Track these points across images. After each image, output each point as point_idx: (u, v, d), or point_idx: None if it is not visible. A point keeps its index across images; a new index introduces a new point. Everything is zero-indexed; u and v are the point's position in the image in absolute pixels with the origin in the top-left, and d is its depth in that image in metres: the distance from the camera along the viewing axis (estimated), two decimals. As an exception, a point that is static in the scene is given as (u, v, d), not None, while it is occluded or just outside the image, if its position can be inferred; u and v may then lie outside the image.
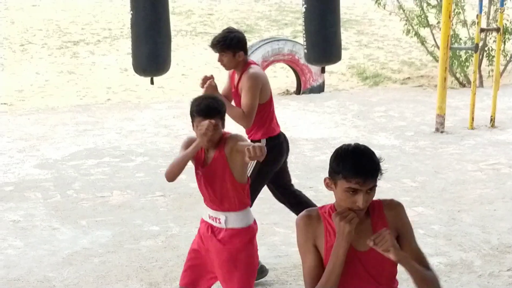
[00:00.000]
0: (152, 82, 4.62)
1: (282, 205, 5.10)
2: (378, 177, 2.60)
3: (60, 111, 10.13)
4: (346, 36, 14.61)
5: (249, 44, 5.78)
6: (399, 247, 2.58)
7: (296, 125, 8.93)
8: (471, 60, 11.04)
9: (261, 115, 4.65)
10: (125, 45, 13.47)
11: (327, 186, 2.67)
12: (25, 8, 17.38)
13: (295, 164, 6.96)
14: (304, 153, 7.71)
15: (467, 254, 5.16)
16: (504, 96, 10.31)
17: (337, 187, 2.61)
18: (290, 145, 4.93)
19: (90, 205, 6.27)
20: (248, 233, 3.64)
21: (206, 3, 18.53)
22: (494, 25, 10.72)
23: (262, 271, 4.65)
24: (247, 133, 4.74)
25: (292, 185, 5.04)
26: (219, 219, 3.60)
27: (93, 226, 5.79)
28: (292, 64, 11.10)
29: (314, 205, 4.49)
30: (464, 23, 11.63)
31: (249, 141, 4.07)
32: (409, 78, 12.62)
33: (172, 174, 3.58)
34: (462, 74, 11.82)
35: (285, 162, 4.94)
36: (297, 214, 3.78)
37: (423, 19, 11.68)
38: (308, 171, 7.02)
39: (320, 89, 11.20)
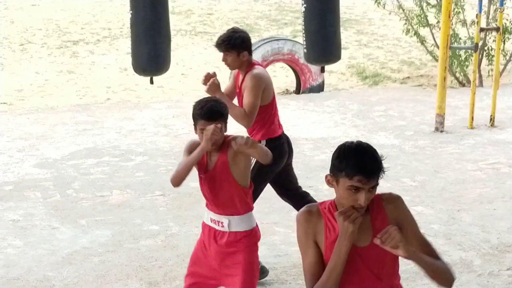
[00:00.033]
0: (151, 82, 4.62)
1: (282, 205, 5.10)
2: (381, 176, 2.60)
3: (60, 110, 10.13)
4: (346, 36, 14.61)
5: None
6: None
7: (295, 125, 8.92)
8: (471, 60, 11.04)
9: (262, 116, 4.65)
10: (125, 44, 13.47)
11: (328, 183, 2.66)
12: (24, 7, 17.38)
13: (295, 163, 6.89)
14: (304, 153, 7.71)
15: (467, 253, 5.16)
16: (504, 96, 10.31)
17: (339, 184, 2.60)
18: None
19: (90, 204, 6.27)
20: (252, 237, 3.62)
21: (206, 2, 18.53)
22: (493, 25, 10.72)
23: (263, 272, 4.64)
24: (248, 133, 4.73)
25: (299, 187, 5.02)
26: (222, 223, 3.57)
27: (93, 225, 5.79)
28: (292, 63, 11.10)
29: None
30: (464, 23, 11.63)
31: None
32: (408, 77, 12.62)
33: (178, 179, 3.56)
34: (461, 73, 11.82)
35: (290, 165, 4.92)
36: None
37: (422, 19, 11.68)
38: (308, 171, 7.03)
39: (319, 88, 11.19)
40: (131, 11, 4.37)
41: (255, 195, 4.49)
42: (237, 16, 17.13)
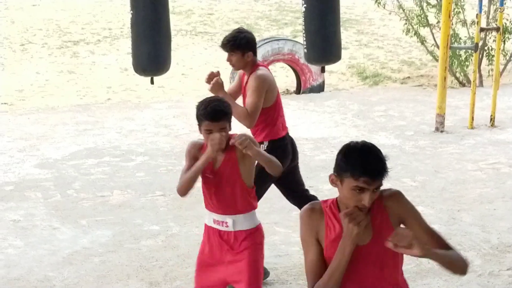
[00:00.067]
0: (152, 82, 4.63)
1: (282, 205, 5.10)
2: (385, 176, 2.60)
3: (60, 110, 10.13)
4: (346, 36, 14.61)
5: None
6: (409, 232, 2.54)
7: (296, 125, 8.92)
8: (471, 60, 11.04)
9: (265, 117, 4.64)
10: (125, 44, 13.46)
11: (332, 182, 2.66)
12: (25, 7, 17.38)
13: (295, 163, 6.96)
14: (304, 153, 7.71)
15: (467, 253, 5.16)
16: (504, 96, 10.30)
17: (343, 184, 2.60)
18: None
19: (90, 204, 6.27)
20: (257, 235, 3.62)
21: (206, 2, 18.53)
22: (494, 25, 10.71)
23: (264, 274, 4.64)
24: (252, 134, 4.73)
25: (306, 190, 5.00)
26: (226, 223, 3.56)
27: (93, 225, 5.79)
28: (292, 63, 11.10)
29: None
30: (464, 23, 11.62)
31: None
32: (409, 77, 12.61)
33: (184, 189, 3.57)
34: (462, 73, 11.82)
35: (296, 167, 4.91)
36: None
37: (423, 19, 11.68)
38: (308, 171, 7.02)
39: (320, 88, 11.19)
40: (131, 11, 4.37)
41: (258, 195, 4.49)
42: (238, 16, 17.13)
